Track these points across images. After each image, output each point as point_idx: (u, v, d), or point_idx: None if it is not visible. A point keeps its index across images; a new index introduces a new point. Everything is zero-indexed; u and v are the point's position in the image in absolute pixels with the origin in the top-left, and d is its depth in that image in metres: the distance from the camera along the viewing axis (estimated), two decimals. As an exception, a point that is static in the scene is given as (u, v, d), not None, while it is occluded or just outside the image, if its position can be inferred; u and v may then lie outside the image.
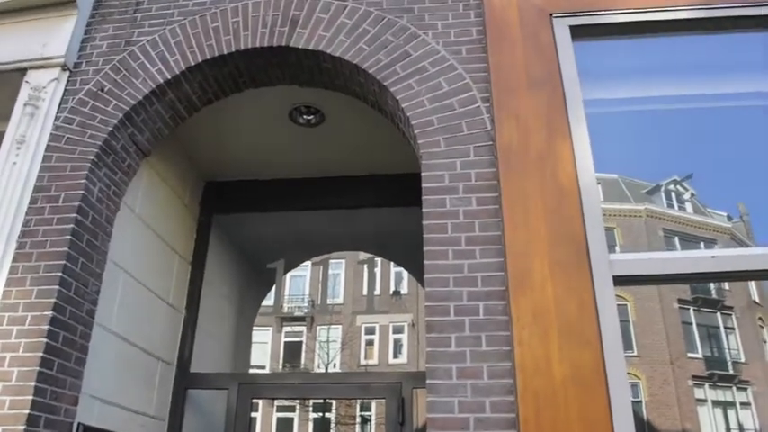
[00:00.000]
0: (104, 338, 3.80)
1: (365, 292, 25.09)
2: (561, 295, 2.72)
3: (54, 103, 3.79)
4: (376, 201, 5.29)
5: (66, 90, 3.86)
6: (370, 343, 27.29)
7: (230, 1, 3.93)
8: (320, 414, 25.08)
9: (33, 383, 3.06)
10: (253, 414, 5.08)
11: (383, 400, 4.64)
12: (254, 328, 7.03)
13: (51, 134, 3.71)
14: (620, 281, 2.78)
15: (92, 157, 3.62)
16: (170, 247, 4.78)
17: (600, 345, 2.61)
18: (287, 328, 27.93)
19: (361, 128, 4.75)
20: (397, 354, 26.79)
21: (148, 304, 4.43)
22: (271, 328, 27.20)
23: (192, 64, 3.79)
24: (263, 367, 25.57)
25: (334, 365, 26.27)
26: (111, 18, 4.11)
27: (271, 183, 5.43)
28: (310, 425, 25.71)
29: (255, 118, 4.76)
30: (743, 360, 17.42)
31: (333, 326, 27.08)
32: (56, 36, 3.94)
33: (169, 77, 3.78)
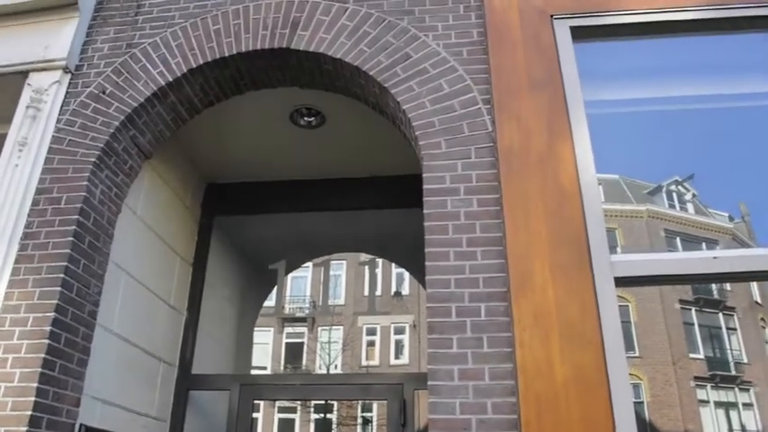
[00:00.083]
0: (106, 340, 3.81)
1: (366, 293, 25.05)
2: (562, 297, 2.72)
3: (56, 105, 3.80)
4: (377, 202, 5.30)
5: (67, 92, 3.87)
6: (371, 344, 27.27)
7: (231, 3, 3.94)
8: (322, 415, 25.07)
9: (35, 385, 3.07)
10: (254, 415, 5.08)
11: (385, 401, 4.64)
12: (256, 329, 7.02)
13: (53, 136, 3.72)
14: (621, 282, 2.78)
15: (93, 159, 3.63)
16: (171, 249, 4.79)
17: (601, 346, 2.62)
18: (288, 330, 27.91)
19: (362, 129, 4.75)
20: (398, 355, 26.77)
21: (150, 306, 4.43)
22: (272, 329, 27.20)
23: (194, 66, 3.80)
24: (265, 368, 25.55)
25: (336, 366, 26.26)
26: (112, 21, 4.12)
27: (272, 184, 5.43)
28: (312, 426, 25.69)
29: (256, 120, 4.77)
30: (745, 361, 17.38)
31: (334, 327, 27.06)
32: (57, 39, 3.95)
33: (170, 80, 3.79)
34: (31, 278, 3.33)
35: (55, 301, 3.25)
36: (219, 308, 5.65)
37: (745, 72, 3.72)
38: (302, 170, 5.31)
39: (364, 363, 26.70)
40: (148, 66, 3.86)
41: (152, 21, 4.02)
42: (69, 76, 3.91)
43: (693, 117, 3.85)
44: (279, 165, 5.27)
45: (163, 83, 3.79)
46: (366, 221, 5.73)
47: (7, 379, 3.09)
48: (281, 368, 26.83)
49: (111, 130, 3.70)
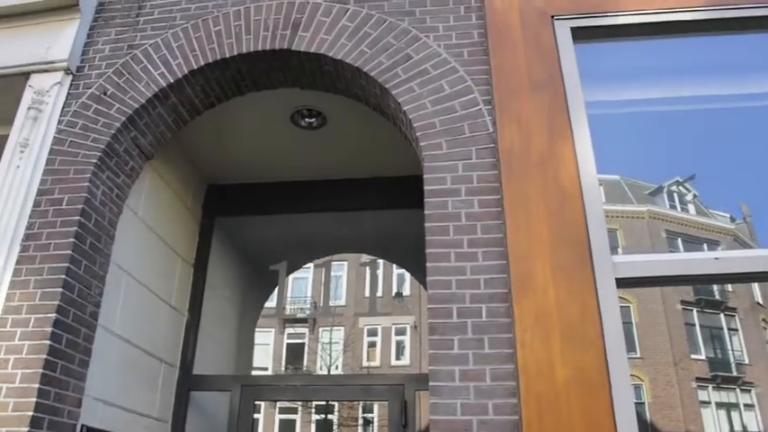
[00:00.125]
0: (107, 341, 3.81)
1: (367, 293, 25.08)
2: (563, 298, 2.72)
3: (57, 106, 3.81)
4: (378, 203, 5.30)
5: (69, 94, 3.87)
6: (372, 345, 27.25)
7: (232, 4, 3.94)
8: (323, 416, 25.05)
9: (37, 385, 3.07)
10: (255, 416, 5.08)
11: (386, 402, 4.64)
12: (257, 329, 7.02)
13: (54, 137, 3.73)
14: (622, 283, 2.78)
15: (95, 161, 3.63)
16: (173, 250, 4.79)
17: (603, 347, 2.61)
18: (289, 330, 27.90)
19: (362, 130, 4.76)
20: (399, 356, 26.75)
21: (151, 307, 4.44)
22: (273, 330, 27.19)
23: (195, 67, 3.80)
24: (266, 369, 25.55)
25: (337, 367, 26.24)
26: (113, 22, 4.12)
27: (273, 185, 5.44)
28: (313, 427, 25.67)
29: (257, 121, 4.77)
30: (746, 361, 17.37)
31: (335, 328, 27.04)
32: (59, 40, 3.95)
33: (172, 81, 3.80)
34: (32, 279, 3.33)
35: (56, 302, 3.25)
36: (220, 309, 5.66)
37: (747, 72, 3.72)
38: (303, 171, 5.31)
39: (365, 364, 26.68)
40: (149, 67, 3.87)
41: (153, 22, 4.03)
42: (71, 77, 3.92)
43: (694, 117, 3.85)
44: (280, 166, 5.27)
45: (164, 84, 3.80)
46: (367, 222, 5.73)
47: (9, 380, 3.09)
48: (282, 369, 26.82)
49: (113, 132, 3.71)
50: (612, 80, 3.73)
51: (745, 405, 17.01)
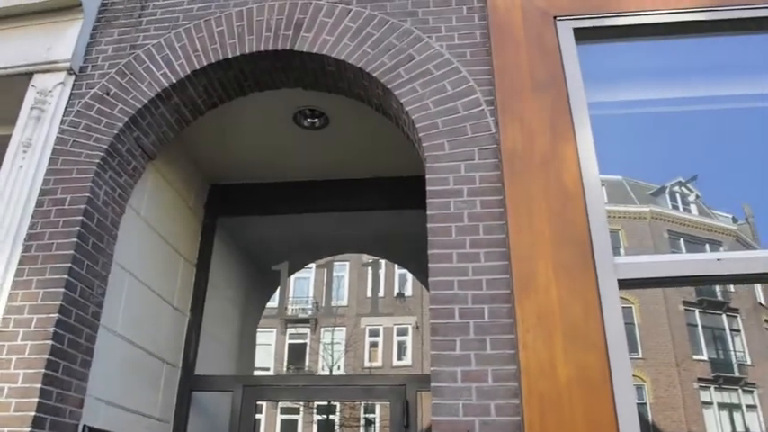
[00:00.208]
0: (109, 341, 3.81)
1: (369, 294, 25.08)
2: (566, 298, 2.72)
3: (60, 106, 3.81)
4: (380, 203, 5.30)
5: (71, 94, 3.88)
6: (374, 345, 27.27)
7: (235, 5, 3.94)
8: (324, 416, 25.07)
9: (39, 385, 3.07)
10: (257, 416, 5.08)
11: (387, 402, 4.64)
12: (259, 330, 7.03)
13: (57, 137, 3.73)
14: (625, 284, 2.78)
15: (97, 161, 3.64)
16: (175, 250, 4.79)
17: (605, 348, 2.61)
18: (291, 330, 27.92)
19: (365, 131, 4.76)
20: (401, 356, 26.76)
21: (153, 307, 4.44)
22: (275, 330, 27.22)
23: (197, 68, 3.80)
24: (268, 369, 25.58)
25: (339, 368, 26.26)
26: (116, 22, 4.13)
27: (275, 185, 5.44)
28: (314, 427, 25.69)
29: (260, 121, 4.77)
30: (749, 362, 17.35)
31: (337, 328, 27.07)
32: (62, 40, 3.96)
33: (174, 81, 3.80)
34: (34, 279, 3.33)
35: (58, 303, 3.25)
36: (222, 309, 5.66)
37: (749, 73, 3.72)
38: (305, 171, 5.32)
39: (367, 364, 26.69)
40: (152, 67, 3.87)
41: (156, 22, 4.03)
42: (73, 77, 3.92)
43: (696, 118, 3.84)
44: (282, 166, 5.28)
45: (166, 84, 3.80)
46: (369, 223, 5.73)
47: (11, 380, 3.10)
48: (284, 369, 26.83)
49: (115, 132, 3.71)
50: (615, 81, 3.73)
51: (748, 406, 16.99)
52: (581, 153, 3.04)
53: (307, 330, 28.10)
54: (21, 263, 3.39)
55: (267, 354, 26.06)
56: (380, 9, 3.75)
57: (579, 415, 2.50)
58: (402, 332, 26.97)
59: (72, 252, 3.38)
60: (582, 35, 3.40)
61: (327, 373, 25.32)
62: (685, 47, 3.58)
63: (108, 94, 3.83)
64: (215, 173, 5.38)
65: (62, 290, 3.28)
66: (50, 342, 3.17)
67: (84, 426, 3.44)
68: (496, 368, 2.73)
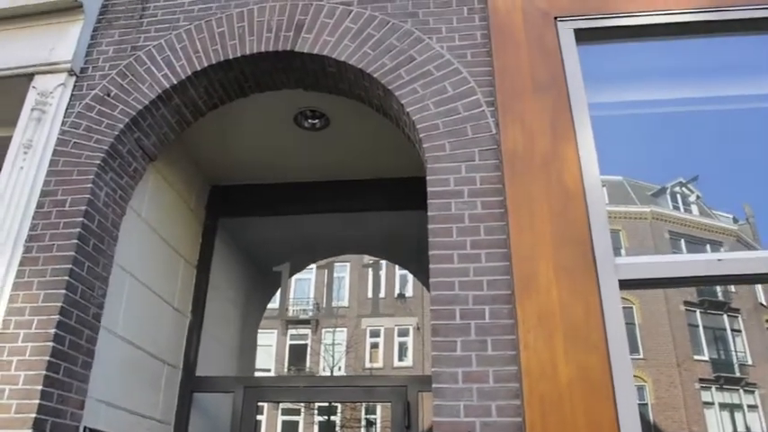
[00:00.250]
0: (110, 342, 3.81)
1: (370, 295, 25.07)
2: (567, 299, 2.72)
3: (61, 107, 3.81)
4: (381, 204, 5.29)
5: (72, 95, 3.88)
6: (375, 346, 27.25)
7: (236, 6, 3.94)
8: (325, 417, 25.04)
9: (40, 387, 3.07)
10: (258, 417, 5.08)
11: (389, 403, 4.64)
12: (260, 331, 7.03)
13: (58, 139, 3.73)
14: (625, 285, 2.77)
15: (98, 162, 3.64)
16: (176, 251, 4.79)
17: (606, 348, 2.61)
18: (292, 332, 27.91)
19: (365, 131, 4.76)
20: (402, 357, 26.75)
21: (154, 308, 4.44)
22: (276, 331, 27.20)
23: (198, 69, 3.80)
24: (269, 370, 25.55)
25: (340, 368, 26.24)
26: (117, 23, 4.13)
27: (276, 186, 5.44)
28: (315, 428, 25.67)
29: (260, 122, 4.77)
30: (750, 362, 17.36)
31: (338, 329, 27.05)
32: (62, 41, 3.96)
33: (175, 82, 3.80)
34: (35, 281, 3.33)
35: (59, 304, 3.25)
36: (223, 310, 5.66)
37: (750, 73, 3.72)
38: (306, 172, 5.32)
39: (368, 365, 26.68)
40: (153, 68, 3.87)
41: (156, 23, 4.04)
42: (74, 78, 3.92)
43: (697, 119, 3.84)
44: (283, 167, 5.28)
45: (167, 85, 3.80)
46: (370, 224, 5.73)
47: (12, 381, 3.09)
48: (285, 370, 26.82)
49: (116, 133, 3.71)
50: (615, 81, 3.73)
51: (749, 406, 17.00)
52: (582, 154, 3.04)
53: (308, 331, 28.09)
54: (21, 264, 3.39)
55: (268, 355, 26.04)
56: (381, 10, 3.75)
57: (580, 416, 2.50)
58: (403, 333, 26.95)
59: (73, 253, 3.38)
60: (583, 36, 3.40)
61: (328, 374, 25.30)
62: (686, 47, 3.58)
63: (109, 96, 3.83)
64: (216, 174, 5.38)
65: (63, 291, 3.28)
66: (51, 344, 3.17)
67: (85, 427, 3.44)
68: (497, 369, 2.73)
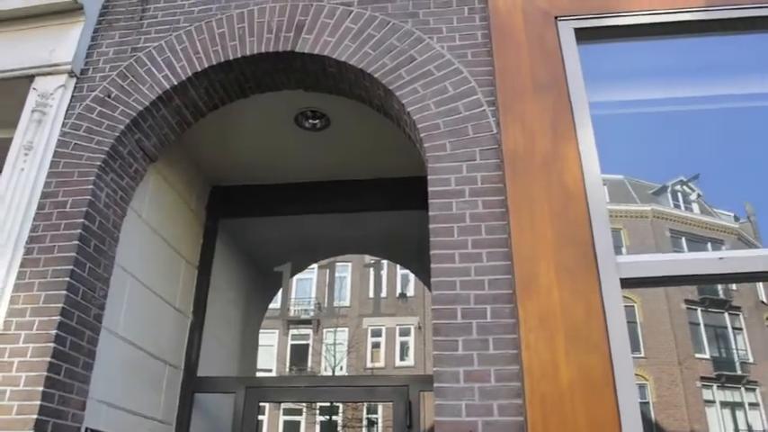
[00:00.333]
0: (112, 343, 3.81)
1: (371, 294, 25.09)
2: (568, 298, 2.72)
3: (61, 109, 3.82)
4: (382, 204, 5.29)
5: (73, 96, 3.88)
6: (376, 346, 27.24)
7: (236, 7, 3.95)
8: (327, 417, 25.05)
9: (41, 388, 3.07)
10: (259, 417, 5.08)
11: (390, 403, 4.64)
12: (261, 331, 7.03)
13: (59, 140, 3.73)
14: (627, 283, 2.78)
15: (99, 163, 3.64)
16: (177, 252, 4.80)
17: (607, 347, 2.61)
18: (293, 331, 27.91)
19: (366, 132, 4.76)
20: (403, 356, 26.74)
21: (155, 309, 4.44)
22: (277, 332, 27.20)
23: (199, 69, 3.80)
24: (270, 370, 25.55)
25: (341, 368, 26.24)
26: (117, 25, 4.13)
27: (277, 187, 5.44)
28: (317, 428, 25.68)
29: (261, 122, 4.78)
30: (751, 360, 17.35)
31: (339, 329, 27.04)
32: (63, 43, 3.96)
33: (175, 83, 3.80)
34: (36, 282, 3.33)
35: (60, 305, 3.25)
36: (225, 310, 5.66)
37: (750, 72, 3.72)
38: (307, 172, 5.32)
39: (369, 364, 26.68)
40: (153, 69, 3.87)
41: (157, 25, 4.04)
42: (75, 80, 3.93)
43: (698, 117, 3.84)
44: (283, 167, 5.28)
45: (168, 86, 3.80)
46: (371, 223, 5.73)
47: (13, 383, 3.10)
48: (287, 370, 26.83)
49: (117, 134, 3.71)
50: (616, 81, 3.73)
51: (750, 404, 16.99)
52: (582, 153, 3.04)
53: (309, 331, 28.09)
54: (22, 265, 3.39)
55: (269, 355, 26.04)
56: (381, 10, 3.75)
57: (582, 415, 2.50)
58: (404, 333, 26.95)
59: (74, 254, 3.38)
60: (583, 35, 3.40)
61: (330, 373, 25.30)
62: (686, 46, 3.58)
63: (109, 97, 3.83)
64: (216, 175, 5.38)
65: (64, 292, 3.28)
66: (52, 345, 3.17)
67: (87, 428, 3.44)
68: (499, 368, 2.73)
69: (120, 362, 3.92)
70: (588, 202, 2.92)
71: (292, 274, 6.71)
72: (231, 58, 3.79)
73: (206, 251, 5.25)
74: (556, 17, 3.42)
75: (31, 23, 4.03)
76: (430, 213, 3.12)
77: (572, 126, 3.10)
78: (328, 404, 23.20)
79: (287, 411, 25.50)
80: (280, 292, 7.15)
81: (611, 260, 2.79)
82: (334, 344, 26.83)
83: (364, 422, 25.15)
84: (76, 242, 3.41)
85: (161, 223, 4.52)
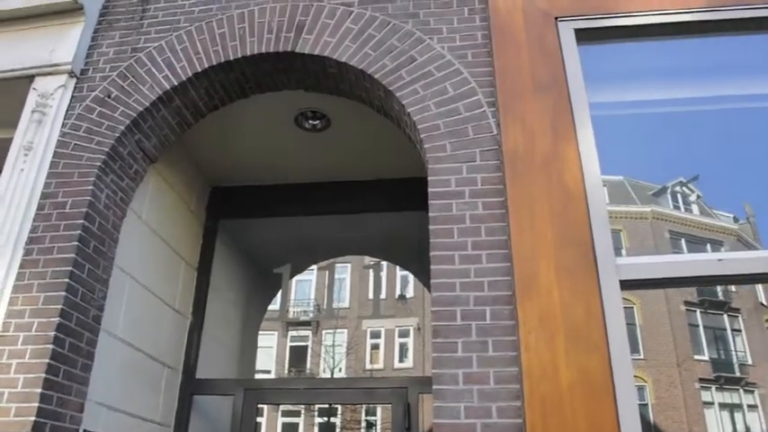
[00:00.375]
0: (110, 345, 3.81)
1: (371, 296, 25.06)
2: (568, 300, 2.72)
3: (61, 109, 3.81)
4: (382, 205, 5.29)
5: (73, 97, 3.88)
6: (375, 347, 27.22)
7: (236, 7, 3.94)
8: (326, 419, 25.03)
9: (39, 390, 3.06)
10: (258, 419, 5.08)
11: (389, 405, 4.63)
12: (260, 332, 7.02)
13: (58, 140, 3.73)
14: (626, 285, 2.77)
15: (99, 164, 3.63)
16: (176, 253, 4.79)
17: (607, 349, 2.61)
18: (292, 333, 27.89)
19: (366, 132, 4.75)
20: (402, 358, 26.71)
21: (155, 310, 4.43)
22: (276, 333, 27.17)
23: (199, 70, 3.80)
24: (269, 372, 25.52)
25: (340, 370, 26.21)
26: (117, 25, 4.12)
27: (277, 188, 5.44)
28: (316, 429, 25.65)
29: (261, 123, 4.77)
30: (750, 362, 17.35)
31: (338, 330, 27.02)
32: (63, 43, 3.96)
33: (176, 84, 3.80)
34: (35, 283, 3.32)
35: (59, 306, 3.25)
36: (224, 312, 5.65)
37: (751, 73, 3.71)
38: (307, 173, 5.31)
39: (368, 366, 26.64)
40: (154, 70, 3.87)
41: (157, 25, 4.03)
42: (75, 80, 3.92)
43: (698, 118, 3.84)
44: (284, 168, 5.27)
45: (168, 87, 3.80)
46: (371, 225, 5.72)
47: (11, 384, 3.08)
48: (286, 372, 26.80)
49: (117, 135, 3.71)
50: (616, 81, 3.73)
51: (749, 406, 16.99)
52: (582, 154, 3.04)
53: (308, 333, 28.06)
54: (22, 266, 3.38)
55: (268, 357, 26.00)
56: (382, 11, 3.74)
57: (581, 417, 2.50)
58: (403, 334, 26.91)
59: (73, 255, 3.38)
60: (583, 36, 3.39)
61: (329, 375, 25.29)
62: (687, 47, 3.58)
63: (109, 97, 3.82)
64: (216, 175, 5.38)
65: (63, 293, 3.28)
66: (51, 346, 3.16)
67: (85, 431, 3.43)
68: (498, 370, 2.72)
69: (119, 363, 3.92)
70: (588, 202, 2.92)
71: (292, 276, 6.70)
72: (231, 58, 3.78)
73: (206, 252, 5.24)
74: (556, 18, 3.42)
75: (32, 23, 4.03)
76: (430, 214, 3.11)
77: (572, 127, 3.10)
78: (327, 406, 23.16)
79: (285, 413, 25.47)
80: (279, 294, 7.13)
81: (610, 262, 2.78)
82: (333, 345, 26.81)
83: (363, 424, 25.12)
84: (76, 243, 3.41)
85: (161, 224, 4.52)
